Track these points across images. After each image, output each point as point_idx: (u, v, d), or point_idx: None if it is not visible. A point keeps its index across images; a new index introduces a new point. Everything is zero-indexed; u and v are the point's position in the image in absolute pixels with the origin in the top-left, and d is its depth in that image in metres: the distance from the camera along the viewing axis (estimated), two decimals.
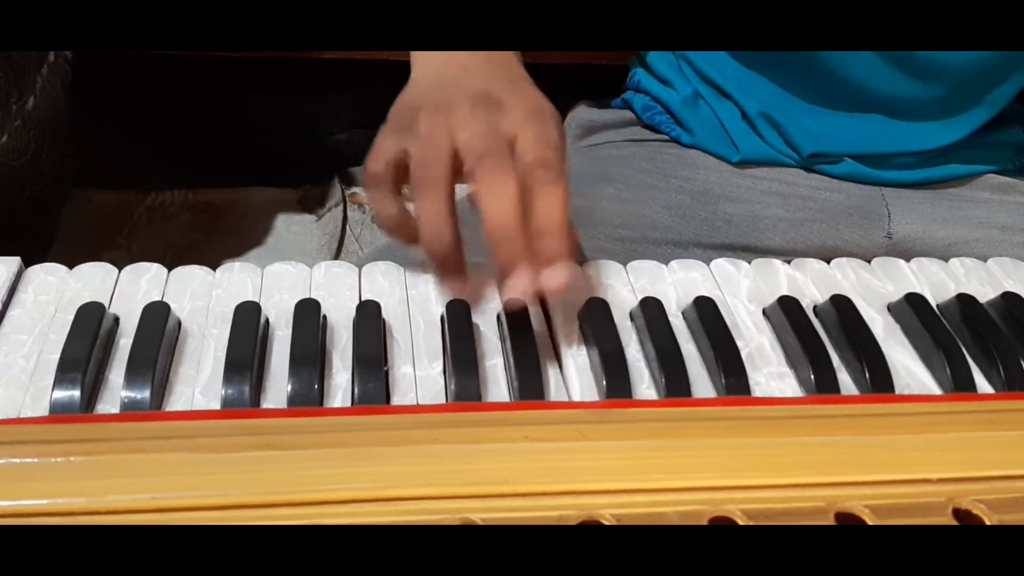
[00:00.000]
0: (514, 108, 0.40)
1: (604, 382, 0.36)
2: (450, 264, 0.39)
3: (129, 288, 0.40)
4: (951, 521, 0.31)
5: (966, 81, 0.57)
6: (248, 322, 0.37)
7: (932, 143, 0.60)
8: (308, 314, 0.38)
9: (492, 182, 0.38)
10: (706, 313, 0.40)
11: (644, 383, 0.38)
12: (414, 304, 0.41)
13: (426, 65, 0.45)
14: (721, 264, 0.45)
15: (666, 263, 0.45)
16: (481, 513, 0.30)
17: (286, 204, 1.20)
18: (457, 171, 0.39)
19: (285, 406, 0.35)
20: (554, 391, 0.37)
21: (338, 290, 0.41)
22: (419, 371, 0.37)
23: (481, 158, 0.38)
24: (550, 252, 0.37)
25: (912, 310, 0.42)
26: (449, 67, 0.44)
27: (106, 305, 0.38)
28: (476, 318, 0.39)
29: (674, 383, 0.37)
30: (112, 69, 1.12)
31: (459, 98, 0.41)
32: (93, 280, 0.40)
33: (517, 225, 0.37)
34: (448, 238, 0.38)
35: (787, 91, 0.61)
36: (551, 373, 0.38)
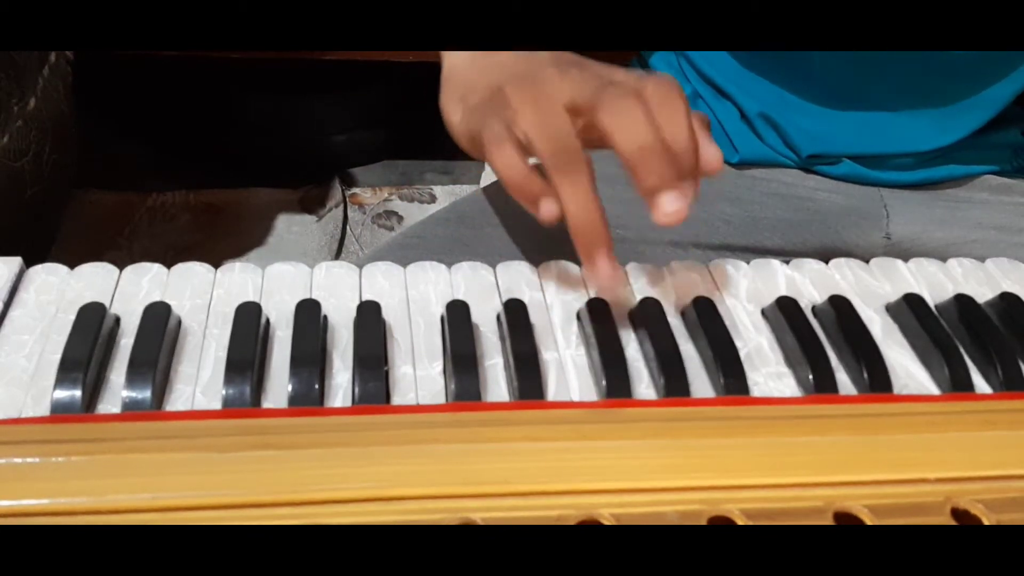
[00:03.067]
0: (592, 64, 0.41)
1: (604, 382, 0.36)
2: (603, 242, 0.39)
3: (130, 288, 0.40)
4: (949, 521, 0.31)
5: (963, 74, 0.58)
6: (249, 322, 0.37)
7: (930, 144, 0.61)
8: (309, 314, 0.38)
9: (620, 106, 0.37)
10: (705, 313, 0.40)
11: (644, 383, 0.38)
12: (414, 304, 0.41)
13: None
14: (720, 264, 0.45)
15: (665, 263, 0.45)
16: (481, 513, 0.30)
17: (286, 205, 1.20)
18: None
19: (286, 406, 0.35)
20: (554, 391, 0.37)
21: (339, 290, 0.41)
22: (419, 371, 0.37)
23: (600, 92, 0.38)
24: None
25: (910, 310, 0.42)
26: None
27: (107, 305, 0.38)
28: (476, 318, 0.39)
29: (673, 383, 0.37)
30: (112, 69, 1.12)
31: (540, 66, 0.40)
32: (94, 280, 0.41)
33: (658, 140, 0.36)
34: (599, 216, 0.38)
35: (786, 91, 0.61)
36: (551, 373, 0.38)
